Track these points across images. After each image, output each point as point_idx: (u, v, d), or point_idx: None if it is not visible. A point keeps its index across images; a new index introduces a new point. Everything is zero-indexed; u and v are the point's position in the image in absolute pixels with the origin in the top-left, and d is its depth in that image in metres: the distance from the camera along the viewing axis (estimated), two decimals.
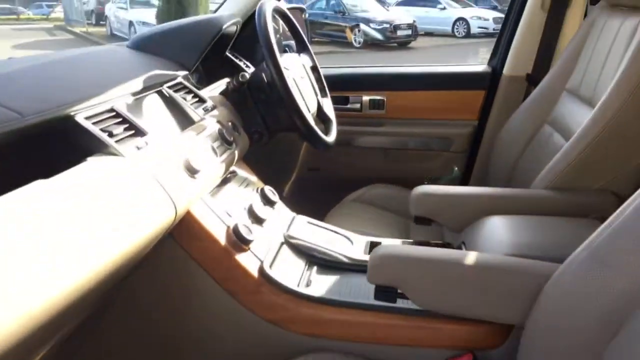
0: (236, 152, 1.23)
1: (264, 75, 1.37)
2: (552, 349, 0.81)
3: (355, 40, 12.11)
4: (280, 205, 1.36)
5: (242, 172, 1.37)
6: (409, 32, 12.27)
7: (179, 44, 1.33)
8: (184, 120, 1.14)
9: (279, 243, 1.22)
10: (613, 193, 1.25)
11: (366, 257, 1.19)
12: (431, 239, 1.51)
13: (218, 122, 1.21)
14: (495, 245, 1.09)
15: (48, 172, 0.71)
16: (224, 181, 1.24)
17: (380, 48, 11.94)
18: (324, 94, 1.61)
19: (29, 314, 0.57)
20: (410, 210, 1.33)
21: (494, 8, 14.20)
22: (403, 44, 12.29)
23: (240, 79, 1.39)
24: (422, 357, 1.02)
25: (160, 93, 1.14)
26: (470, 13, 13.52)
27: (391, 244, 1.31)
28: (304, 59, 1.59)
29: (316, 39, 11.30)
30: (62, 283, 0.63)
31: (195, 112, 1.17)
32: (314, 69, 1.61)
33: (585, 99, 1.42)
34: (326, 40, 12.10)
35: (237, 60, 1.64)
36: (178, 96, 1.17)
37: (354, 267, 1.20)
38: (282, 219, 1.32)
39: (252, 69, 1.63)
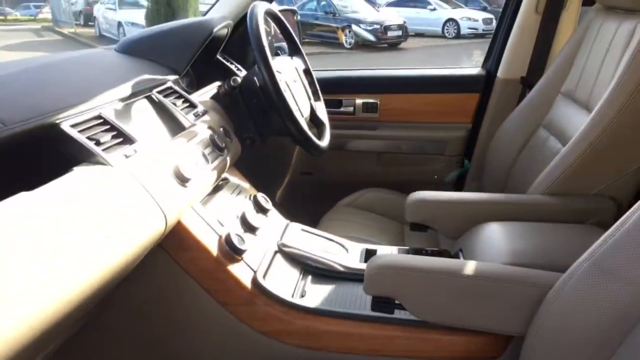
0: (228, 159, 1.21)
1: (256, 79, 1.35)
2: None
3: (346, 42, 12.12)
4: (273, 213, 1.34)
5: (234, 179, 1.34)
6: (400, 32, 12.30)
7: (168, 48, 1.30)
8: (174, 127, 1.11)
9: (273, 252, 1.20)
10: (611, 198, 1.24)
11: (361, 266, 1.18)
12: (426, 245, 1.49)
13: (209, 127, 1.18)
14: (494, 254, 1.07)
15: (32, 182, 0.69)
16: (216, 189, 1.22)
17: (371, 49, 11.96)
18: (317, 98, 1.59)
19: (14, 330, 0.56)
20: (406, 217, 1.31)
21: (484, 9, 14.27)
22: (393, 45, 12.32)
23: (232, 83, 1.37)
24: None
25: (149, 98, 1.11)
26: (460, 14, 13.59)
27: (387, 252, 1.29)
28: (297, 62, 1.57)
29: (307, 40, 11.30)
30: (45, 299, 0.61)
31: (185, 118, 1.14)
32: (307, 72, 1.59)
33: (582, 103, 1.40)
34: (317, 41, 12.11)
35: (228, 64, 1.61)
36: (168, 101, 1.14)
37: (350, 276, 1.18)
38: (275, 227, 1.29)
39: (243, 72, 1.61)
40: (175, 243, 1.01)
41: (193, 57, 1.32)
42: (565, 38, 1.71)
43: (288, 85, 1.36)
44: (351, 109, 2.02)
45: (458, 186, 2.04)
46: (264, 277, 1.08)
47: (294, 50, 1.60)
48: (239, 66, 1.65)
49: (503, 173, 1.63)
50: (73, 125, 0.83)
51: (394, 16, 12.61)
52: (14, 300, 0.56)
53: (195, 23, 1.38)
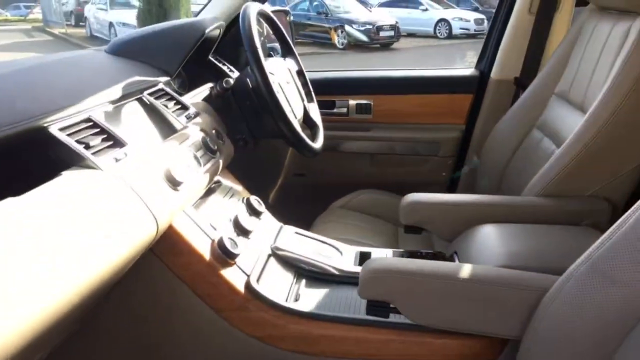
0: (220, 161, 1.19)
1: (248, 80, 1.34)
2: None
3: (338, 42, 12.12)
4: (266, 216, 1.32)
5: (227, 182, 1.33)
6: (392, 33, 12.31)
7: (160, 49, 1.28)
8: (166, 129, 1.10)
9: (266, 255, 1.18)
10: (606, 199, 1.23)
11: (356, 269, 1.17)
12: (421, 247, 1.49)
13: (201, 130, 1.17)
14: (489, 256, 1.06)
15: (20, 187, 0.68)
16: (208, 192, 1.20)
17: (364, 49, 11.96)
18: (310, 99, 1.58)
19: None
20: (401, 219, 1.30)
21: (475, 9, 14.32)
22: (386, 45, 12.33)
23: (224, 85, 1.35)
24: None
25: (140, 100, 1.09)
26: (452, 14, 13.62)
27: (381, 255, 1.28)
28: (290, 63, 1.55)
29: (299, 40, 11.29)
30: (34, 305, 0.59)
31: (177, 120, 1.12)
32: (300, 73, 1.58)
33: (576, 104, 1.40)
34: (309, 42, 12.10)
35: (220, 65, 1.59)
36: (159, 103, 1.12)
37: (344, 280, 1.17)
38: (268, 230, 1.28)
39: (236, 74, 1.60)
40: (167, 248, 1.00)
41: (185, 58, 1.30)
42: (559, 39, 1.71)
43: (281, 87, 1.35)
44: (344, 110, 2.01)
45: (452, 188, 2.04)
46: (257, 281, 1.06)
47: (287, 51, 1.59)
48: (231, 67, 1.64)
49: (497, 174, 1.63)
50: (62, 129, 0.81)
51: (386, 16, 12.62)
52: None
53: (187, 24, 1.37)
